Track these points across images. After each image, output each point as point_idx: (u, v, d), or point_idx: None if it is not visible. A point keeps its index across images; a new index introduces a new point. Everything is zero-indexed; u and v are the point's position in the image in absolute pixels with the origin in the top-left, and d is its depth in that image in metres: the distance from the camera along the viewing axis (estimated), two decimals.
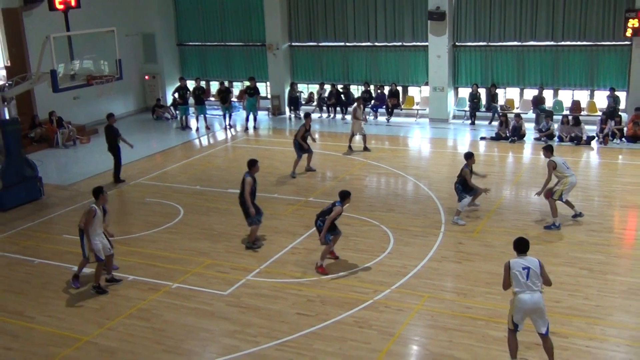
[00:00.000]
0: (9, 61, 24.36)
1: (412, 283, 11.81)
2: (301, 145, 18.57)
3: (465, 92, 25.33)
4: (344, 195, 12.32)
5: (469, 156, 14.96)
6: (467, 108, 24.94)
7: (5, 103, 17.06)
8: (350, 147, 21.33)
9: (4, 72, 25.70)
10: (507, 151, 21.03)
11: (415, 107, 26.03)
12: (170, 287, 12.05)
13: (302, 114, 26.80)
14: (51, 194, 17.83)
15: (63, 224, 15.66)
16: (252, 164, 13.52)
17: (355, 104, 21.20)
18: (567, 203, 14.39)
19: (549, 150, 14.45)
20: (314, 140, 19.37)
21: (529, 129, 22.67)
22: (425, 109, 25.59)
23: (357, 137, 21.52)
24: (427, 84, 25.28)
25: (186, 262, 13.14)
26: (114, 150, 18.63)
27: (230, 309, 11.14)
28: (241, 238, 14.17)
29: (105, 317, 11.05)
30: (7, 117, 17.21)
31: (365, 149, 21.13)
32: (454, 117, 25.46)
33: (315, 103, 27.03)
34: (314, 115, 25.85)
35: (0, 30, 24.24)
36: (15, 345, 10.31)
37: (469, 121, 24.69)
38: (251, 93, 25.16)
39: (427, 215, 15.25)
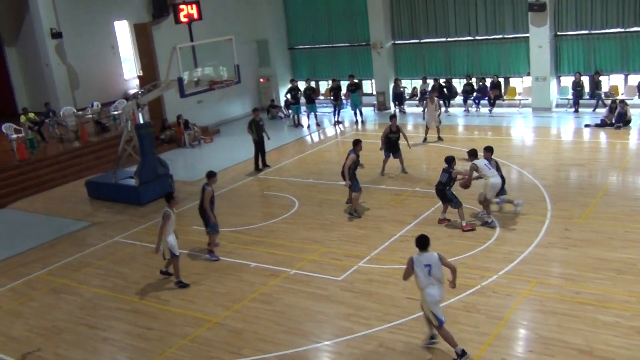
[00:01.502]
0: (141, 71, 25.66)
1: (520, 269, 11.44)
2: (387, 145, 17.69)
3: (567, 81, 24.17)
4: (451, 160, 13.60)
5: (474, 154, 14.08)
6: (570, 96, 23.81)
7: (140, 109, 17.92)
8: (425, 138, 21.07)
9: (137, 82, 27.12)
10: (613, 138, 19.91)
11: (517, 97, 25.16)
12: (289, 273, 12.30)
13: (406, 109, 26.60)
14: (180, 189, 18.60)
15: (191, 217, 16.27)
16: (356, 143, 14.85)
17: (429, 98, 21.08)
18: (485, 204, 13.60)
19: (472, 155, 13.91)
20: (407, 141, 17.99)
21: (635, 114, 21.36)
22: (527, 99, 24.68)
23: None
24: (529, 74, 24.37)
25: (303, 250, 13.36)
26: (259, 140, 19.54)
27: (344, 294, 11.23)
28: (350, 227, 14.24)
29: (232, 301, 11.43)
30: (142, 121, 18.07)
31: (439, 139, 20.98)
32: (557, 105, 24.37)
33: (418, 97, 26.68)
34: (417, 110, 25.57)
35: (133, 43, 25.54)
36: (156, 326, 10.87)
37: (573, 109, 23.56)
38: (353, 89, 25.22)
39: (532, 202, 14.70)
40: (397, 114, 26.45)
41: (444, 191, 13.71)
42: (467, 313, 10.11)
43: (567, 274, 11.20)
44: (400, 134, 17.68)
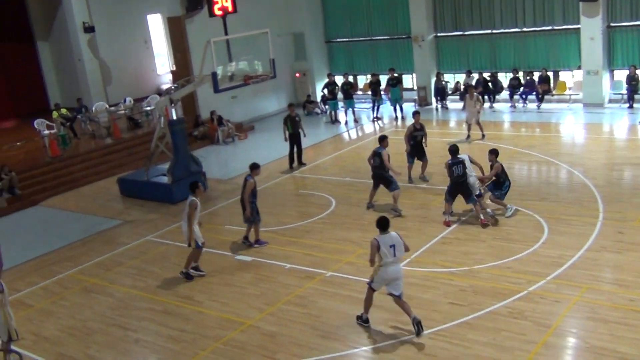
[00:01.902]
0: (174, 66, 25.95)
1: (569, 274, 11.23)
2: (411, 146, 16.92)
3: (621, 74, 23.63)
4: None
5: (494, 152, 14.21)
6: (624, 91, 23.27)
7: (173, 105, 18.11)
8: (468, 135, 20.70)
9: (170, 77, 27.44)
10: None
11: (567, 92, 24.70)
12: (325, 275, 12.29)
13: (448, 105, 26.34)
14: (214, 188, 18.78)
15: (225, 216, 16.46)
16: (382, 139, 14.91)
17: (467, 94, 20.86)
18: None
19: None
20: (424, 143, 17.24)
21: None
22: (578, 94, 24.22)
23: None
24: (579, 67, 23.90)
25: (339, 251, 13.33)
26: (295, 137, 19.68)
27: (382, 297, 11.10)
28: (390, 228, 14.13)
29: (266, 303, 11.46)
30: (175, 117, 18.26)
31: (483, 136, 20.50)
32: (610, 101, 23.86)
33: (460, 92, 26.38)
34: (460, 105, 25.27)
35: (166, 37, 25.84)
36: (188, 327, 10.98)
37: (627, 105, 23.02)
38: (394, 84, 25.09)
39: (583, 203, 14.42)
40: (440, 109, 26.29)
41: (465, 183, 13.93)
42: (513, 320, 9.96)
43: (620, 279, 10.94)
44: (424, 132, 17.08)
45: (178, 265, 13.57)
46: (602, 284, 10.88)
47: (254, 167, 13.85)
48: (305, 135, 20.09)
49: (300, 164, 19.96)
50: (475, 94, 20.86)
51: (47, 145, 21.81)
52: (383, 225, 9.90)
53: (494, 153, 14.12)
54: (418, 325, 9.77)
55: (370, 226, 14.40)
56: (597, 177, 16.05)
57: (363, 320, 10.27)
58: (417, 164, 17.21)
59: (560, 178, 16.83)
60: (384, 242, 9.75)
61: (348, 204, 16.17)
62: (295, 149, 19.93)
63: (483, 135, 20.59)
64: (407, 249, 10.03)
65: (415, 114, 17.33)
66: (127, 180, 19.28)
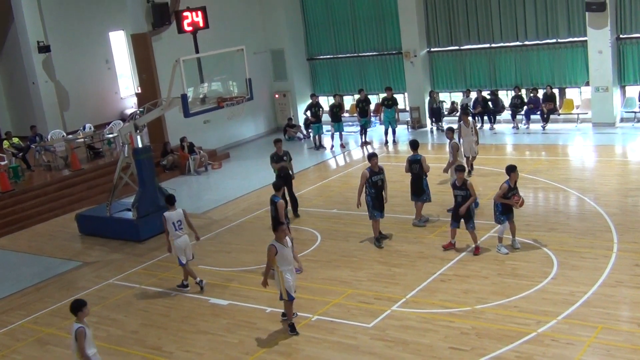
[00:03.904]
0: (139, 88, 26.01)
1: (582, 312, 11.26)
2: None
3: (634, 91, 24.01)
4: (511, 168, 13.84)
5: (512, 169, 13.92)
6: (637, 109, 23.62)
7: (138, 131, 18.11)
8: (470, 170, 19.16)
9: (135, 100, 27.49)
10: None
11: (575, 111, 25.02)
12: (310, 319, 12.23)
13: (444, 126, 26.51)
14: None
15: (198, 254, 16.31)
16: (371, 157, 15.18)
17: (462, 121, 19.32)
18: None
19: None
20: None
21: None
22: (587, 113, 24.53)
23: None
24: (587, 84, 24.25)
25: (326, 292, 13.29)
26: (285, 179, 17.10)
27: (375, 343, 11.12)
28: (382, 265, 14.17)
29: (245, 352, 11.38)
30: (140, 145, 18.24)
31: (471, 168, 19.37)
32: (622, 120, 24.19)
33: (458, 113, 26.60)
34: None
35: (130, 56, 25.95)
36: None
37: None
38: (389, 104, 25.21)
39: (596, 234, 14.52)
40: (435, 132, 26.45)
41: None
42: None
43: (639, 317, 10.99)
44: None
45: (145, 311, 13.47)
46: (619, 323, 10.92)
47: (278, 186, 14.72)
48: (293, 177, 18.06)
49: (296, 214, 17.97)
50: (470, 120, 19.75)
51: None
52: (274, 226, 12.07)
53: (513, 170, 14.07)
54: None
55: (361, 263, 14.46)
56: (610, 205, 16.18)
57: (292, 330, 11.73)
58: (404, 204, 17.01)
59: (569, 206, 16.95)
60: (282, 247, 11.36)
61: (335, 238, 16.17)
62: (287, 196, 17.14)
63: (471, 169, 19.45)
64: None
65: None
66: (87, 217, 19.17)
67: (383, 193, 15.27)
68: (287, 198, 16.99)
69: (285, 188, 16.45)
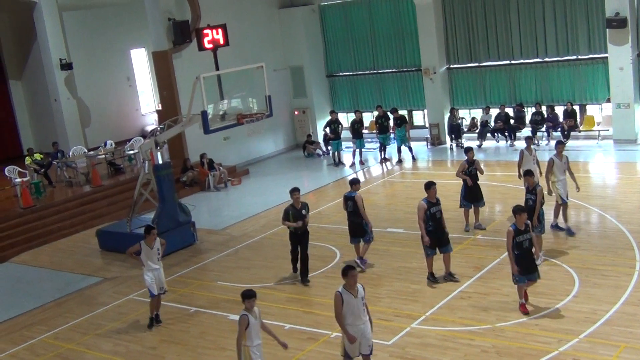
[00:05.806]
0: (160, 105, 26.20)
1: (605, 331, 11.15)
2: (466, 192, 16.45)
3: None
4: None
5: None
6: None
7: (158, 148, 18.22)
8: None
9: (156, 117, 27.67)
10: None
11: (596, 127, 24.88)
12: (329, 336, 12.20)
13: (464, 143, 26.48)
14: (204, 239, 18.77)
15: (217, 270, 16.42)
16: (429, 187, 13.98)
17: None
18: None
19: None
20: (481, 172, 16.87)
21: None
22: (608, 130, 24.38)
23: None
24: (609, 100, 24.13)
25: None
26: (301, 237, 14.98)
27: None
28: (401, 282, 14.11)
29: None
30: (160, 161, 18.35)
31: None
32: None
33: (478, 130, 26.54)
34: (475, 143, 25.37)
35: (151, 74, 26.17)
36: None
37: None
38: (398, 124, 25.22)
39: (618, 251, 14.39)
40: (455, 149, 26.41)
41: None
42: None
43: None
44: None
45: (164, 327, 13.50)
46: None
47: (355, 182, 15.19)
48: (306, 224, 14.93)
49: (304, 280, 15.04)
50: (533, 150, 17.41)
51: (18, 194, 21.87)
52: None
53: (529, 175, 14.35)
54: None
55: (380, 280, 14.42)
56: (632, 222, 16.04)
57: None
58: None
59: (591, 223, 16.81)
60: (348, 294, 10.14)
61: (354, 255, 16.11)
62: (299, 254, 15.06)
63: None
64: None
65: (467, 150, 16.60)
66: (108, 233, 19.29)
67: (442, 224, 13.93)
68: (299, 256, 14.96)
69: (300, 245, 14.84)
